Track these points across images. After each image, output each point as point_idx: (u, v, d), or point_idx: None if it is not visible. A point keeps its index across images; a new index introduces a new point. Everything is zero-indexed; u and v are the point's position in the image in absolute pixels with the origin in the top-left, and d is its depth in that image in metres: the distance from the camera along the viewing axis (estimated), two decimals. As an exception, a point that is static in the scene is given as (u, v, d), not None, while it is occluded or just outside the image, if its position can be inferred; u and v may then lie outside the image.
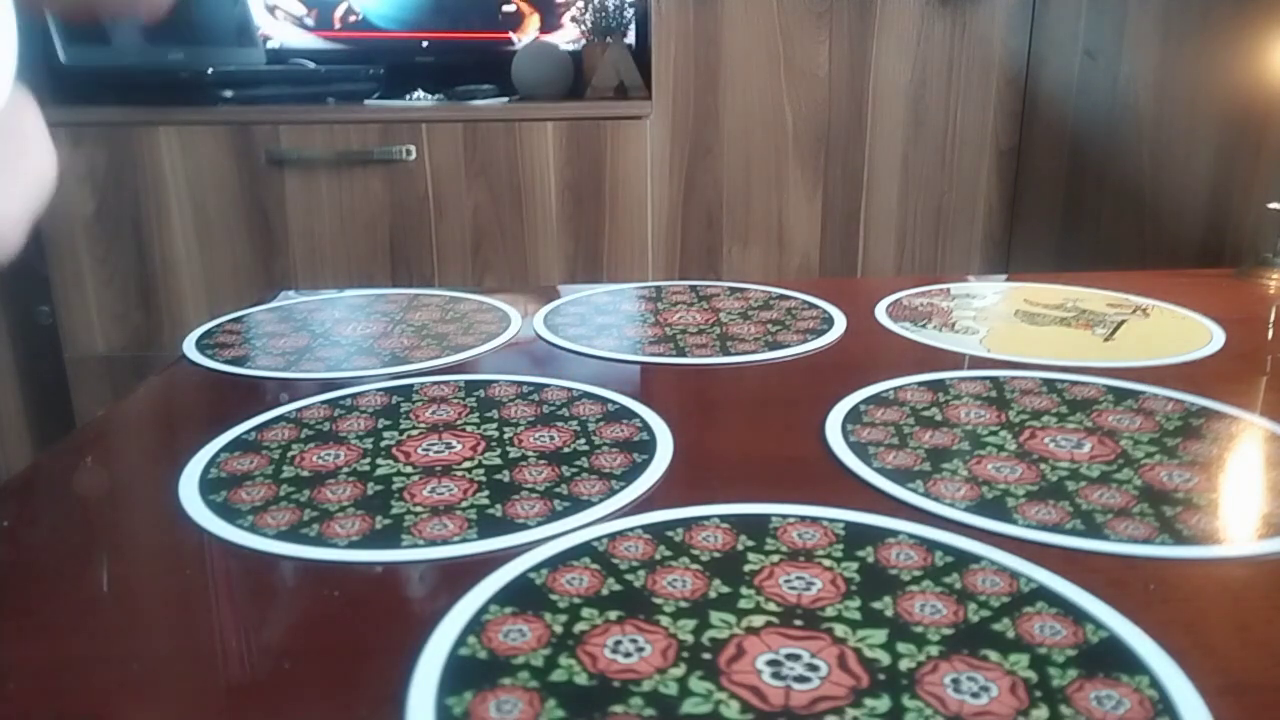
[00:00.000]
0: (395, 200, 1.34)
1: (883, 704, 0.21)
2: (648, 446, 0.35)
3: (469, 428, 0.36)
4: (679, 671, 0.22)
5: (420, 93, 1.20)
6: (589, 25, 1.22)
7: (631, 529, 0.28)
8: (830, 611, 0.24)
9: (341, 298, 0.57)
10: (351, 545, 0.28)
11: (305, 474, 0.33)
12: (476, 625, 0.24)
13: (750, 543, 0.27)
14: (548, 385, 0.41)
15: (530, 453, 0.34)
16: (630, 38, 1.25)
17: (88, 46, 1.17)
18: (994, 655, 0.22)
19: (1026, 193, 1.36)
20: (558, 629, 0.24)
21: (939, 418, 0.37)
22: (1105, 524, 0.29)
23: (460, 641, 0.23)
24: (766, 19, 1.26)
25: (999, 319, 0.50)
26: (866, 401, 0.38)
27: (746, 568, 0.26)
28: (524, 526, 0.29)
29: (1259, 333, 0.49)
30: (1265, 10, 1.08)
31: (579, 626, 0.24)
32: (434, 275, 1.36)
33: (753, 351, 0.46)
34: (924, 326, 0.49)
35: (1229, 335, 0.47)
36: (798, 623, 0.24)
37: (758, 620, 0.24)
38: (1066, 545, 0.28)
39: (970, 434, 0.35)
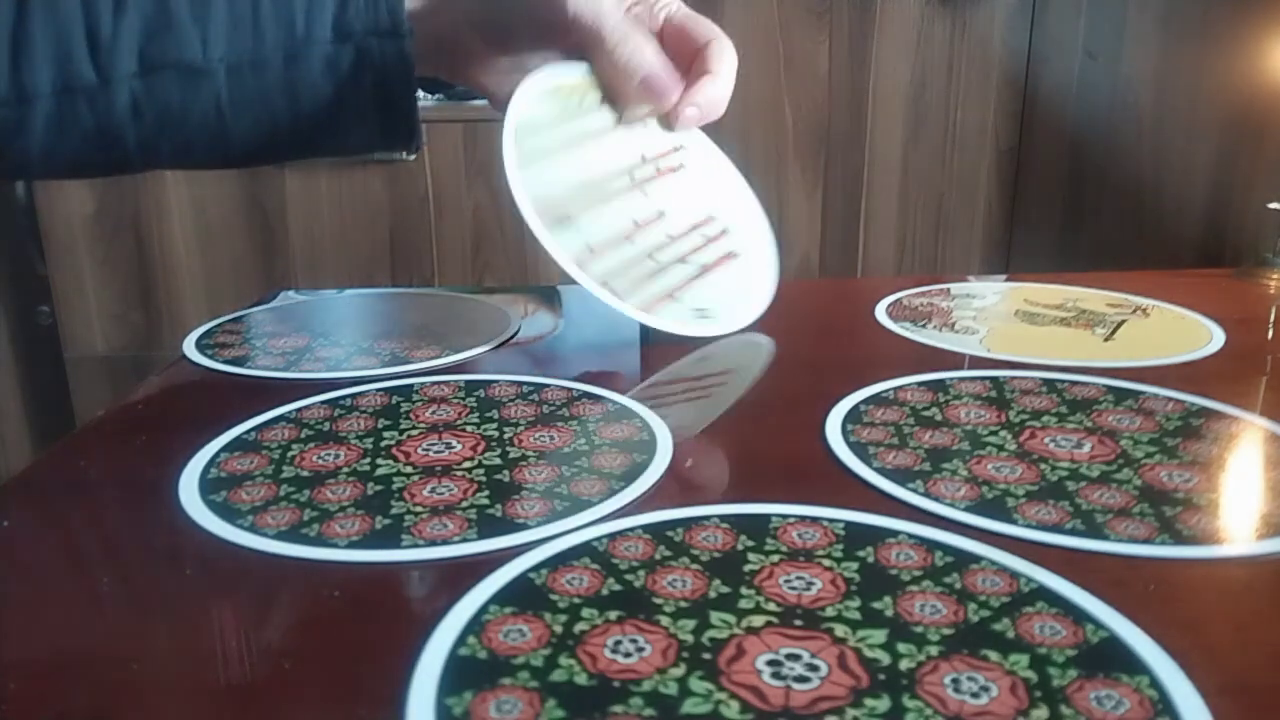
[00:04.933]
0: (395, 200, 1.34)
1: (883, 704, 0.21)
2: (648, 446, 0.35)
3: (469, 428, 0.36)
4: (679, 671, 0.22)
5: (420, 93, 1.20)
6: (589, 25, 1.22)
7: (631, 529, 0.28)
8: (830, 611, 0.24)
9: (341, 298, 0.57)
10: (351, 545, 0.28)
11: (305, 474, 0.33)
12: (476, 625, 0.24)
13: (750, 543, 0.27)
14: (548, 385, 0.41)
15: (530, 453, 0.34)
16: (630, 38, 1.25)
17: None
18: (994, 655, 0.22)
19: (1026, 193, 1.36)
20: (558, 629, 0.24)
21: (939, 418, 0.37)
22: (1105, 524, 0.29)
23: (460, 641, 0.23)
24: (766, 19, 1.26)
25: (999, 319, 0.50)
26: (866, 401, 0.38)
27: (746, 568, 0.26)
28: (524, 526, 0.29)
29: (1259, 333, 0.49)
30: (1265, 10, 1.08)
31: (579, 626, 0.24)
32: (434, 275, 1.36)
33: (753, 351, 0.46)
34: (924, 326, 0.49)
35: (1229, 335, 0.47)
36: (798, 623, 0.24)
37: (758, 620, 0.24)
38: (1066, 545, 0.28)
39: (970, 434, 0.35)
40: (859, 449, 0.34)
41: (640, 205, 0.48)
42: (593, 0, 0.46)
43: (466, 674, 0.22)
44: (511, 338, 0.48)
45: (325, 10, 0.42)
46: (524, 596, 0.25)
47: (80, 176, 0.48)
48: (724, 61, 0.50)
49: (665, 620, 0.24)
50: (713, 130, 0.51)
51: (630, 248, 0.46)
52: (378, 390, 0.41)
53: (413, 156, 0.47)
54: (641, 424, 0.37)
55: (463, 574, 0.26)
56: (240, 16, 0.41)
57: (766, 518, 0.29)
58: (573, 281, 0.43)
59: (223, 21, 0.41)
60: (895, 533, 0.28)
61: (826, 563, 0.26)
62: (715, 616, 0.24)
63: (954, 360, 0.44)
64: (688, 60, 0.50)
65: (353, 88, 0.43)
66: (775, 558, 0.27)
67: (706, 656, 0.22)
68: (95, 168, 0.45)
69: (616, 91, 0.49)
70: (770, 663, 0.22)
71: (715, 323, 0.46)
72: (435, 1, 0.45)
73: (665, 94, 0.48)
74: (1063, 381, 0.40)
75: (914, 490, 0.31)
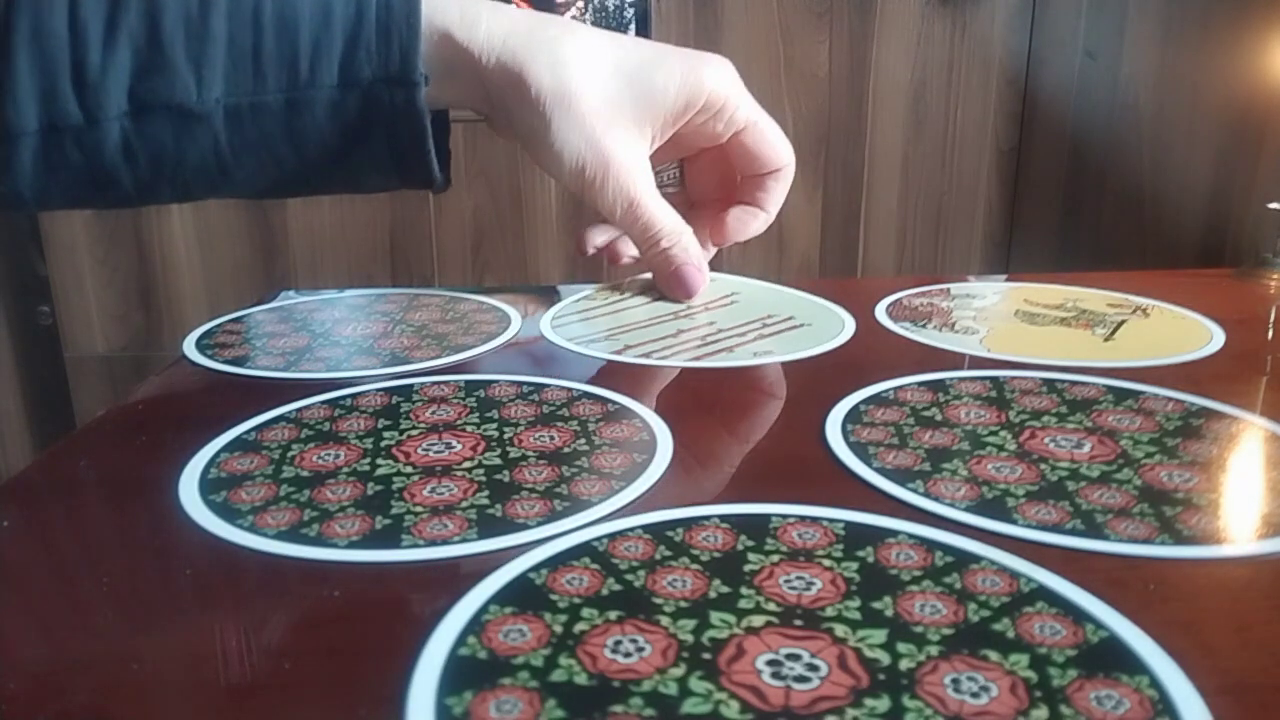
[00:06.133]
0: (395, 200, 1.34)
1: (883, 704, 0.21)
2: (648, 446, 0.35)
3: (469, 428, 0.36)
4: (679, 671, 0.22)
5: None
6: (589, 25, 1.22)
7: (631, 529, 0.28)
8: (830, 611, 0.24)
9: (341, 298, 0.57)
10: (351, 545, 0.28)
11: (305, 474, 0.33)
12: (476, 625, 0.24)
13: (750, 543, 0.27)
14: (548, 385, 0.41)
15: (530, 453, 0.34)
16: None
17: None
18: (994, 655, 0.22)
19: (1026, 193, 1.36)
20: (558, 629, 0.24)
21: (939, 418, 0.37)
22: (1105, 524, 0.29)
23: (460, 641, 0.23)
24: (766, 19, 1.26)
25: (999, 319, 0.50)
26: (866, 401, 0.38)
27: (746, 568, 0.26)
28: (524, 526, 0.29)
29: (1259, 333, 0.49)
30: (1265, 10, 1.08)
31: (579, 626, 0.24)
32: (434, 275, 1.36)
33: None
34: (924, 326, 0.49)
35: (1229, 335, 0.47)
36: (798, 623, 0.24)
37: (758, 620, 0.24)
38: (1066, 545, 0.28)
39: (970, 434, 0.35)
40: (859, 449, 0.34)
41: (686, 324, 0.49)
42: (654, 205, 0.46)
43: (466, 674, 0.22)
44: (512, 338, 0.48)
45: (333, 52, 0.40)
46: (524, 596, 0.25)
47: (82, 209, 0.46)
48: (778, 199, 0.52)
49: (665, 620, 0.24)
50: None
51: (674, 340, 0.47)
52: (378, 390, 0.41)
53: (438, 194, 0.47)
54: (641, 424, 0.37)
55: (463, 574, 0.26)
56: (240, 56, 0.39)
57: (766, 518, 0.29)
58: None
59: (220, 60, 0.38)
60: (895, 533, 0.28)
61: (826, 563, 0.26)
62: (715, 616, 0.24)
63: (954, 360, 0.44)
64: (747, 176, 0.52)
65: (362, 134, 0.41)
66: (775, 558, 0.27)
67: (706, 656, 0.22)
68: (94, 204, 0.43)
69: (652, 272, 0.50)
70: (770, 663, 0.22)
71: (774, 356, 0.45)
72: (468, 82, 0.44)
73: (694, 292, 0.50)
74: (1063, 381, 0.40)
75: (914, 490, 0.31)
